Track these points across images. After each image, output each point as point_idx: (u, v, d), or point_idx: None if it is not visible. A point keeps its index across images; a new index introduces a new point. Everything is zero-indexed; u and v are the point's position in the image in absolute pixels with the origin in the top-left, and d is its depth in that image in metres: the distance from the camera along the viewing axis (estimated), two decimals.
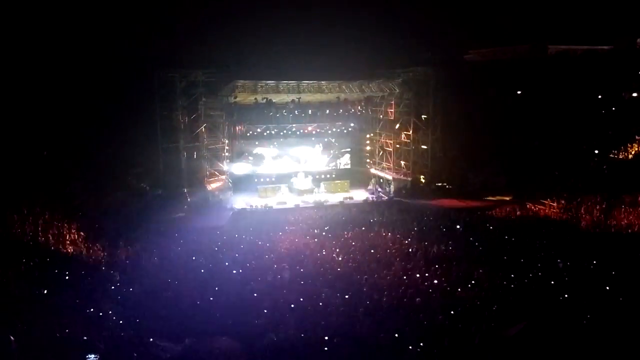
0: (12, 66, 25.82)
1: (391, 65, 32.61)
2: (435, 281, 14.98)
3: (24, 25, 28.68)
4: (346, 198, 31.31)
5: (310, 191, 32.59)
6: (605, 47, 40.32)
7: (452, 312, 12.21)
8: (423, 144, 32.15)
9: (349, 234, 21.81)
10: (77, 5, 31.97)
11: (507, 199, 28.77)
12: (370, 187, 34.50)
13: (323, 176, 34.92)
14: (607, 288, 13.49)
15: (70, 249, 17.81)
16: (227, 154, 31.07)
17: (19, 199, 19.39)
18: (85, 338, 9.97)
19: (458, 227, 22.74)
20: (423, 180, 32.42)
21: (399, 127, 32.75)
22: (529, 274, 15.36)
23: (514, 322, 11.33)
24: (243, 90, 29.40)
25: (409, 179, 32.35)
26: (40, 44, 29.08)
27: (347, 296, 13.84)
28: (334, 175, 35.35)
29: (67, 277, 14.47)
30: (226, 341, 10.69)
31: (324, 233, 22.10)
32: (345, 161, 36.18)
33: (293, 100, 31.00)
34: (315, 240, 20.93)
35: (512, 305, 12.79)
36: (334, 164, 35.83)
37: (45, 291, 12.75)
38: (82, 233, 19.36)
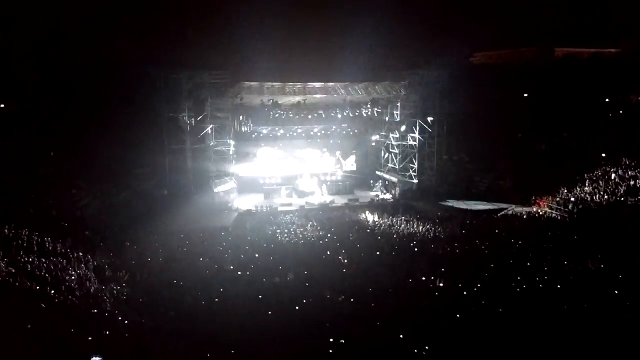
0: (19, 68, 26.05)
1: (397, 67, 32.55)
2: (441, 284, 14.94)
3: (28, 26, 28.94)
4: (351, 200, 31.27)
5: (316, 193, 32.59)
6: (612, 50, 40.17)
7: (457, 315, 12.15)
8: (429, 146, 32.03)
9: (354, 236, 21.78)
10: (83, 7, 32.20)
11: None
12: (375, 189, 34.44)
13: (328, 178, 34.92)
14: (615, 291, 13.37)
15: (76, 249, 17.86)
16: (233, 155, 31.09)
17: (25, 199, 19.55)
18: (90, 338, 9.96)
19: (464, 230, 22.68)
20: (429, 183, 32.31)
21: (405, 129, 32.67)
22: (536, 277, 15.26)
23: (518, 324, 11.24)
24: (249, 91, 29.50)
25: (415, 181, 32.26)
26: (46, 46, 29.31)
27: (352, 299, 13.81)
28: (339, 177, 35.32)
29: (72, 277, 14.52)
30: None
31: (329, 235, 22.08)
32: (350, 163, 36.15)
33: (299, 102, 31.05)
34: (320, 242, 20.91)
35: (518, 308, 12.71)
36: (339, 165, 35.80)
37: (52, 291, 12.79)
38: (87, 233, 19.47)
